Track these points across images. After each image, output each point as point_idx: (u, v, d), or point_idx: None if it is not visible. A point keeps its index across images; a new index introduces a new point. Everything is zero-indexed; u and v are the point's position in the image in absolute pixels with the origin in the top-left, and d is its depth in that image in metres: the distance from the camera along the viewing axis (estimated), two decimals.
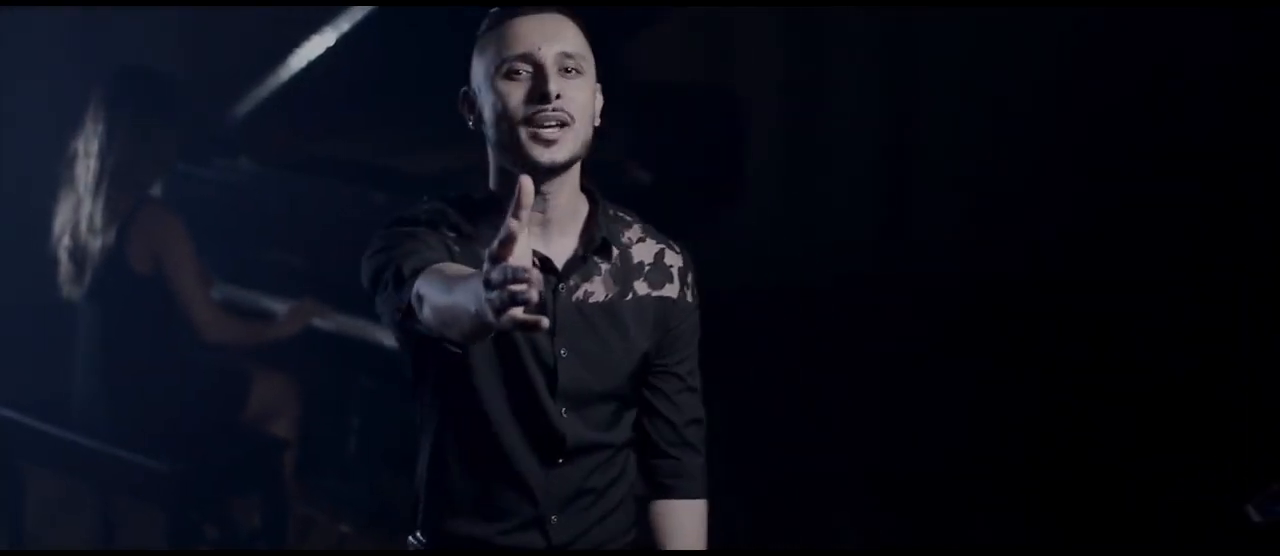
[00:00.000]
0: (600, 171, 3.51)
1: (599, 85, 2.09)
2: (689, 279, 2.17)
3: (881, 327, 4.23)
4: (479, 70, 2.06)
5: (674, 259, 2.16)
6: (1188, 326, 3.91)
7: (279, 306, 3.70)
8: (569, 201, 2.07)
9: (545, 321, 1.62)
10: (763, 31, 4.85)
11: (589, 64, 2.05)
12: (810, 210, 4.90)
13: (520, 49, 2.00)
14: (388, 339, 3.43)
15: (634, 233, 2.16)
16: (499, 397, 2.06)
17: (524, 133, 1.99)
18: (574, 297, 2.08)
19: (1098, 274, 4.21)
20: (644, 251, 2.15)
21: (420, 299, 1.85)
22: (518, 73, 2.00)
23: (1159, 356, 3.93)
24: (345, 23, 3.77)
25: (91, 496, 3.78)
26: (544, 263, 2.05)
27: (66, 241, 3.45)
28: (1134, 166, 4.19)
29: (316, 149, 4.01)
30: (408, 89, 3.94)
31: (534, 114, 1.98)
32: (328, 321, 3.63)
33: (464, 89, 2.09)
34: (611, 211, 2.15)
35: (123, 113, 3.43)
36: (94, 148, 3.42)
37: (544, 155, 1.99)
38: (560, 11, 2.05)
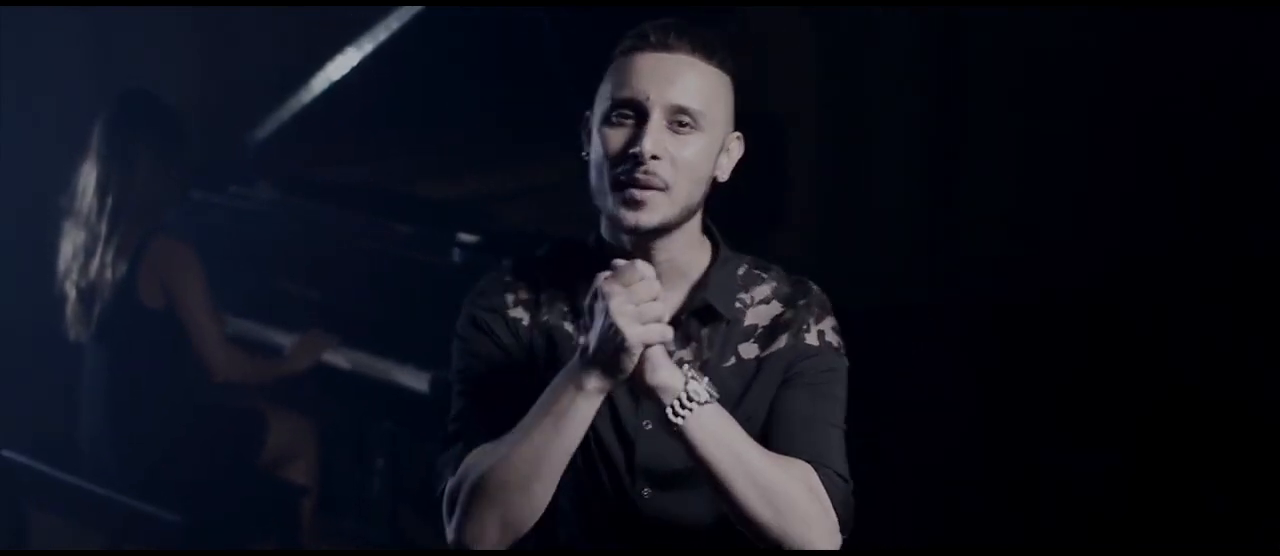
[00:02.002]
0: None
1: (737, 134, 1.91)
2: (809, 323, 1.92)
3: (925, 354, 4.01)
4: (597, 102, 1.88)
5: (791, 314, 1.92)
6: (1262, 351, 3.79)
7: (292, 342, 3.53)
8: (682, 256, 1.89)
9: (668, 332, 1.72)
10: (801, 48, 4.74)
11: (713, 117, 1.85)
12: (851, 233, 4.82)
13: (627, 93, 1.82)
14: (409, 378, 3.31)
15: (762, 291, 1.94)
16: (573, 479, 1.85)
17: (613, 191, 1.82)
18: None
19: (1155, 301, 4.06)
20: (762, 314, 1.93)
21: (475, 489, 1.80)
22: (623, 120, 1.83)
23: (1232, 384, 3.78)
24: (369, 44, 3.66)
25: (98, 543, 3.60)
26: None
27: (76, 278, 3.32)
28: (1193, 186, 4.11)
29: (336, 175, 3.87)
30: (432, 113, 3.87)
31: (625, 173, 1.81)
32: (346, 359, 3.46)
33: (586, 112, 1.91)
34: (743, 267, 1.95)
35: (139, 144, 3.31)
36: (111, 181, 3.30)
37: (629, 218, 1.81)
38: (692, 50, 1.84)
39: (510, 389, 1.86)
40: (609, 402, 1.84)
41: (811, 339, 1.92)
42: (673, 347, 1.85)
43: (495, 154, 3.87)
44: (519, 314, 1.91)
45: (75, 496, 3.37)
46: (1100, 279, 4.18)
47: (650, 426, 1.86)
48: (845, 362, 1.95)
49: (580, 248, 1.94)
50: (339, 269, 3.57)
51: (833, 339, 1.94)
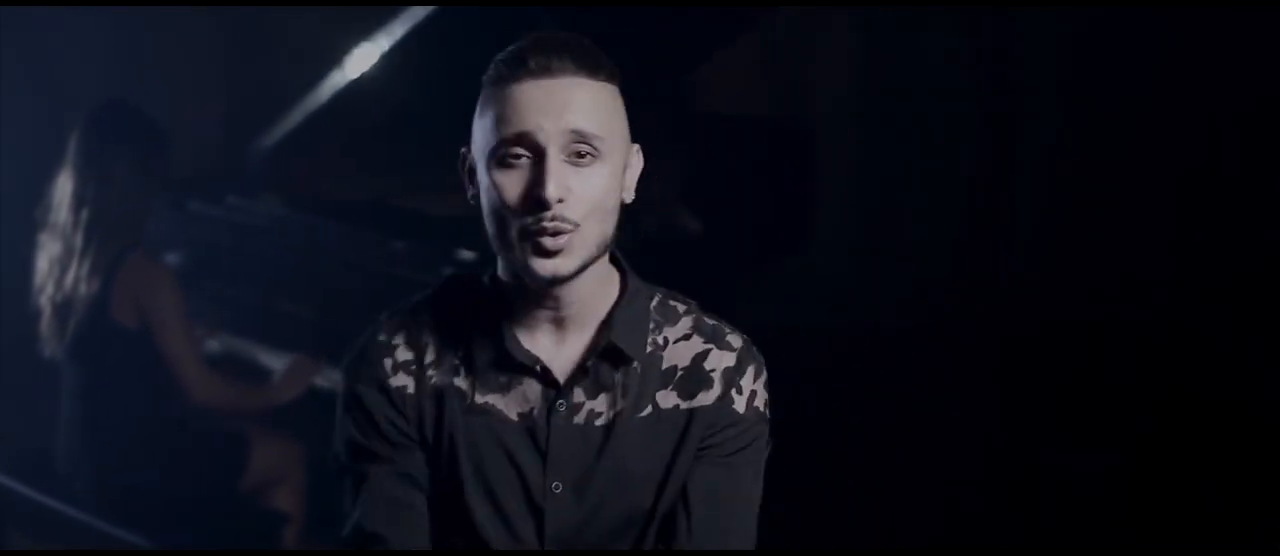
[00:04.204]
0: (648, 216, 3.34)
1: (636, 147, 1.71)
2: (742, 382, 1.74)
3: (963, 374, 4.08)
4: (477, 138, 1.67)
5: (720, 359, 1.74)
6: None
7: (281, 364, 3.43)
8: (591, 296, 1.70)
9: None
10: (843, 55, 4.67)
11: (613, 140, 1.65)
12: (888, 248, 4.76)
13: (516, 127, 1.61)
14: None
15: (679, 329, 1.75)
16: (477, 551, 1.69)
17: (520, 241, 1.62)
18: (575, 418, 1.70)
19: (1156, 301, 4.06)
20: (681, 353, 1.74)
21: None
22: (516, 159, 1.62)
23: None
24: (374, 54, 3.59)
25: None
26: (544, 373, 1.69)
27: (51, 292, 3.23)
28: (1194, 188, 4.11)
29: (336, 188, 3.78)
30: (437, 125, 3.72)
31: (532, 223, 1.61)
32: (336, 381, 3.29)
33: (464, 150, 1.71)
34: (655, 299, 1.76)
35: (117, 157, 3.23)
36: (87, 193, 3.21)
37: (546, 269, 1.62)
38: (578, 68, 1.63)
39: (405, 476, 1.70)
40: (513, 465, 1.68)
41: (740, 404, 1.74)
42: (583, 399, 1.70)
43: None
44: (402, 381, 1.71)
45: (48, 518, 3.27)
46: (1100, 280, 4.17)
47: (561, 489, 1.69)
48: (767, 428, 1.78)
49: (473, 287, 1.74)
50: (334, 286, 3.46)
51: (763, 403, 1.77)
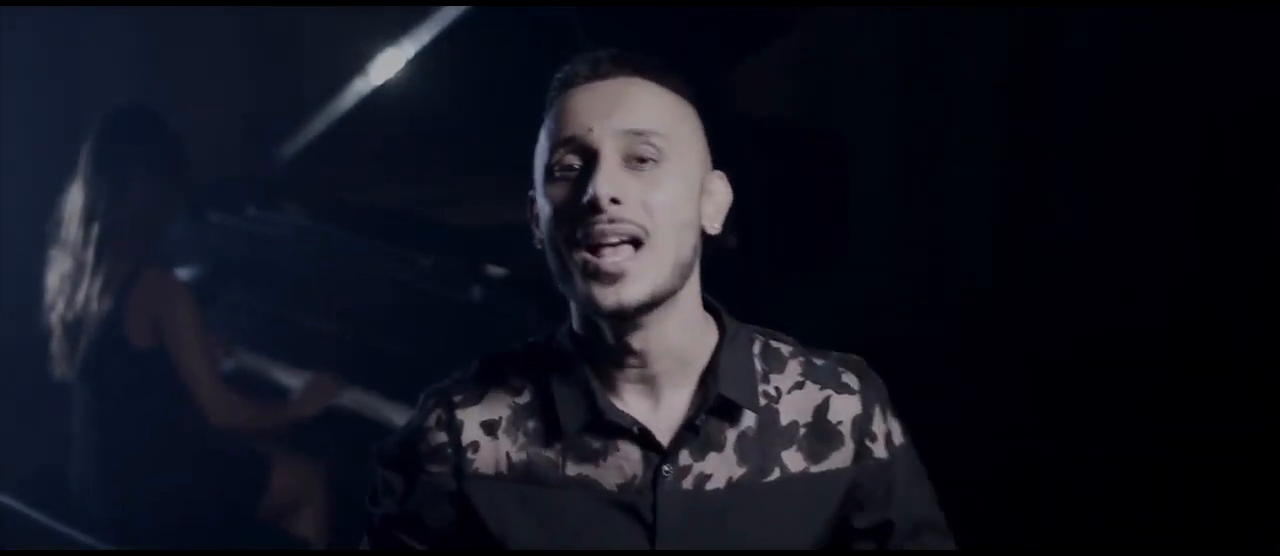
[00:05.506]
0: None
1: (719, 173, 1.51)
2: (872, 425, 1.56)
3: (1001, 387, 4.02)
4: (536, 168, 1.49)
5: (845, 407, 1.55)
6: None
7: (300, 382, 3.32)
8: (682, 341, 1.49)
9: None
10: (873, 65, 4.65)
11: (679, 144, 1.45)
12: (926, 258, 4.72)
13: (566, 132, 1.44)
14: None
15: (789, 375, 1.55)
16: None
17: (576, 262, 1.42)
18: (683, 483, 1.49)
19: (1217, 330, 4.05)
20: (799, 404, 1.53)
21: None
22: (567, 171, 1.44)
23: None
24: (400, 59, 3.49)
25: None
26: (643, 436, 1.49)
27: (62, 310, 3.13)
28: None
29: (359, 198, 3.69)
30: (465, 134, 3.66)
31: (583, 233, 1.41)
32: (358, 400, 3.24)
33: (531, 192, 1.52)
34: (757, 344, 1.55)
35: (130, 167, 3.12)
36: (98, 206, 3.10)
37: (608, 299, 1.42)
38: (634, 71, 1.46)
39: None
40: (614, 543, 1.49)
41: (880, 448, 1.56)
42: (691, 461, 1.49)
43: (524, 180, 3.68)
44: (439, 468, 1.53)
45: (59, 543, 3.16)
46: (1134, 287, 4.16)
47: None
48: (913, 449, 1.61)
49: (550, 349, 1.53)
50: (357, 301, 3.36)
51: (898, 433, 1.59)
